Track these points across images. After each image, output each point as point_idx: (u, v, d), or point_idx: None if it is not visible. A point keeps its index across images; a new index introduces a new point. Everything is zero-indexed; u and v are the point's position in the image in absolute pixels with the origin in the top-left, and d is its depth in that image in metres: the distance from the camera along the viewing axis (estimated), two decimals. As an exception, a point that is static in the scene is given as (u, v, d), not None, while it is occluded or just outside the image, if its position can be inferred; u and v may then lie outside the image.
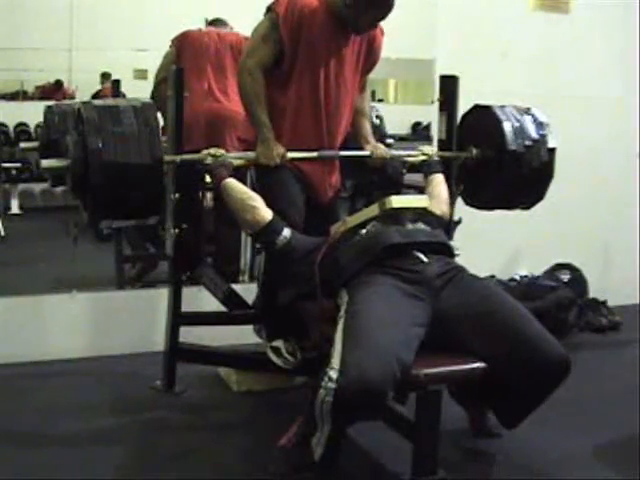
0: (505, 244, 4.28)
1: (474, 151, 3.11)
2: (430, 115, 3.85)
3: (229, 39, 3.91)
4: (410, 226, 2.57)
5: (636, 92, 4.38)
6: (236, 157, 2.84)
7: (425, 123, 4.53)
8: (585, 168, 4.17)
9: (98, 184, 2.50)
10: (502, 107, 3.10)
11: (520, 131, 3.04)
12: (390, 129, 4.26)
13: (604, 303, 4.32)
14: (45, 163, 2.64)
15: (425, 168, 3.01)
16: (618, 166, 4.36)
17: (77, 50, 4.25)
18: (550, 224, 4.10)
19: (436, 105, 3.29)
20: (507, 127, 3.02)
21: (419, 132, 4.70)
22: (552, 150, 3.10)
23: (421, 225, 2.60)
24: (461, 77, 3.19)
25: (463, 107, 3.21)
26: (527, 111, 3.12)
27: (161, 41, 3.92)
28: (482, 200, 3.18)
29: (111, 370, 3.38)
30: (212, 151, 2.76)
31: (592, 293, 4.33)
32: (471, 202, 3.21)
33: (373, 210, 2.62)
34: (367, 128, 3.07)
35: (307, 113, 2.85)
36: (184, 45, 3.87)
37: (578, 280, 4.28)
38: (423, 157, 3.03)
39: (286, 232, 2.63)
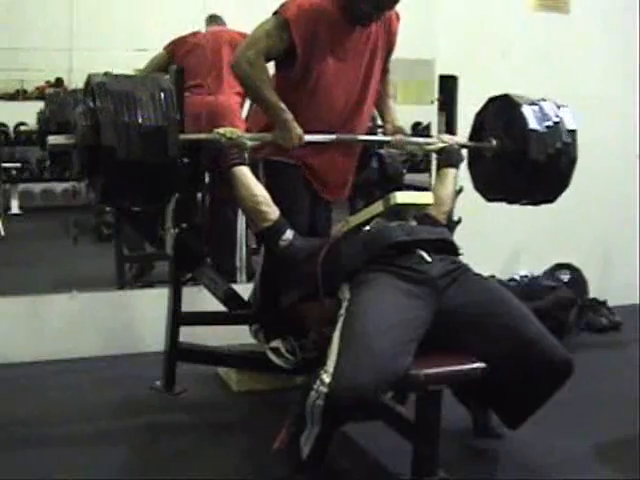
0: (505, 244, 4.27)
1: (494, 142, 2.99)
2: (430, 115, 3.85)
3: (225, 36, 3.91)
4: (414, 223, 2.56)
5: (636, 92, 4.38)
6: (251, 138, 2.70)
7: (425, 123, 4.53)
8: (585, 168, 4.16)
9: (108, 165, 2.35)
10: (533, 105, 2.91)
11: (545, 139, 2.89)
12: (390, 129, 4.25)
13: (604, 303, 4.32)
14: (52, 139, 2.55)
15: (444, 156, 2.91)
16: (618, 166, 4.36)
17: (77, 50, 4.25)
18: (550, 224, 4.10)
19: (436, 105, 3.29)
20: (533, 135, 2.86)
21: (419, 132, 4.69)
22: (573, 161, 2.98)
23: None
24: (461, 77, 3.19)
25: (463, 107, 3.21)
26: (557, 113, 2.96)
27: (161, 41, 3.92)
28: (489, 192, 3.10)
29: (111, 370, 3.38)
30: (226, 132, 2.61)
31: (592, 293, 4.32)
32: (479, 190, 3.13)
33: (377, 207, 2.58)
34: (390, 107, 3.06)
35: (323, 109, 2.79)
36: (178, 47, 3.88)
37: (578, 280, 4.27)
38: (442, 145, 2.94)
39: (289, 234, 2.62)
